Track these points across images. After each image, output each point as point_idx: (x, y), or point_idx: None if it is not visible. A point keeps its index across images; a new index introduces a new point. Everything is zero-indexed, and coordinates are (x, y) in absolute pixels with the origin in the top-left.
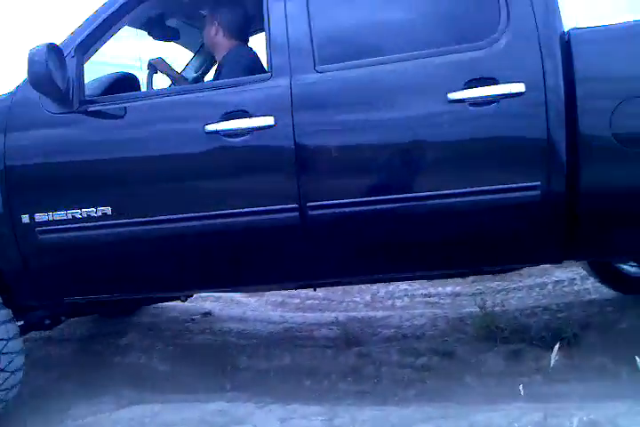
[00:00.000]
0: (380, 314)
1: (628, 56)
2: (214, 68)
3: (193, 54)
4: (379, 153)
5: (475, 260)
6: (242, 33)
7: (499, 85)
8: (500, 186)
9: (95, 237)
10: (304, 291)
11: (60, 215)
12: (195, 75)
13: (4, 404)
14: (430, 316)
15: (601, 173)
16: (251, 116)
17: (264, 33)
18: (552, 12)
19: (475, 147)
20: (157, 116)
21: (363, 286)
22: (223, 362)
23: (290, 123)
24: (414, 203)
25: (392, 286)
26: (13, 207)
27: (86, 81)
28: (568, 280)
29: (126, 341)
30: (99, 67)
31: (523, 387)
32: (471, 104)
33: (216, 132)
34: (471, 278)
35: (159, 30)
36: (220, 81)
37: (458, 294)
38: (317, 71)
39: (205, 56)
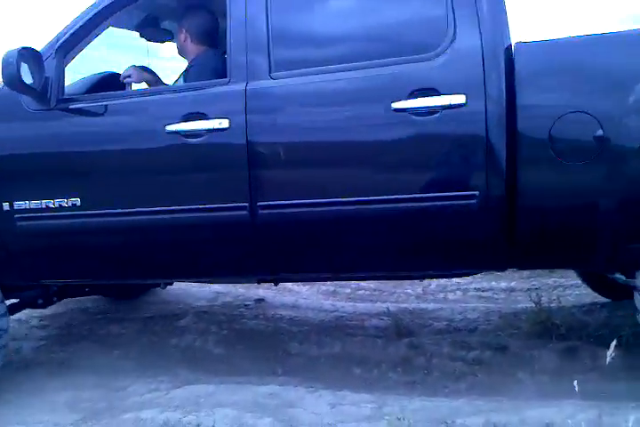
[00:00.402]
0: (431, 306)
1: (568, 70)
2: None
3: None
4: (325, 158)
5: (418, 264)
6: (210, 38)
7: (440, 96)
8: (441, 193)
9: (65, 225)
10: (355, 281)
11: (36, 204)
12: None
13: None
14: (483, 310)
15: (539, 184)
16: (208, 118)
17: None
18: (498, 27)
19: (417, 155)
20: (124, 115)
21: None
22: (275, 347)
23: (243, 126)
24: (358, 207)
25: (444, 280)
26: None
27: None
28: None
29: (183, 323)
30: None
31: (577, 384)
32: (414, 114)
33: (176, 132)
34: (527, 273)
35: (151, 32)
36: (183, 84)
37: (512, 289)
38: (272, 78)
39: None
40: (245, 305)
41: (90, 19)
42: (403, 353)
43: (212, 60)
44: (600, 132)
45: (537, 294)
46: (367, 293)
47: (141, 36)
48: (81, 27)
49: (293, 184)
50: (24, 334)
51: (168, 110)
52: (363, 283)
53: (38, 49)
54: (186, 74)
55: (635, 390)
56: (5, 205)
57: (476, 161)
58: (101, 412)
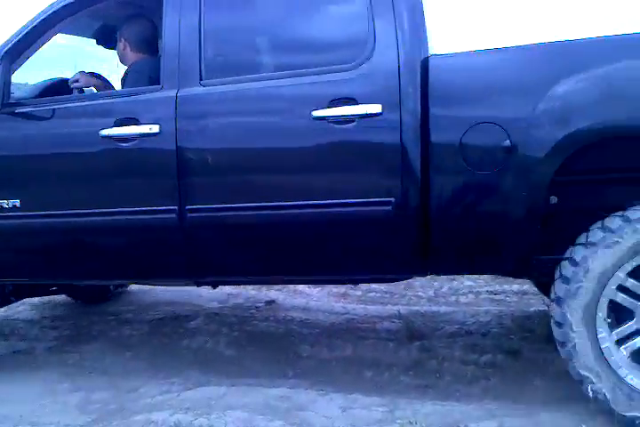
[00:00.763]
0: (443, 309)
1: (478, 82)
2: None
3: None
4: (249, 164)
5: (338, 269)
6: (149, 46)
7: (358, 106)
8: (358, 200)
9: (7, 226)
10: (365, 284)
11: None
12: None
13: None
14: (496, 313)
15: (450, 192)
16: (140, 124)
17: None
18: (416, 40)
19: (335, 162)
20: (63, 119)
21: (425, 281)
22: (286, 349)
23: (173, 131)
24: (280, 212)
25: (456, 282)
26: None
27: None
28: None
29: (194, 325)
30: None
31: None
32: (332, 122)
33: (109, 136)
34: None
35: (107, 39)
36: (118, 90)
37: (525, 293)
38: (202, 85)
39: None
40: (256, 307)
41: (34, 27)
42: (414, 356)
43: (148, 68)
44: (507, 143)
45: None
46: (378, 295)
47: (97, 43)
48: (25, 35)
49: (220, 189)
50: (35, 335)
51: (103, 115)
52: (374, 285)
53: None
54: (122, 80)
55: None
56: None
57: (391, 169)
58: (112, 413)
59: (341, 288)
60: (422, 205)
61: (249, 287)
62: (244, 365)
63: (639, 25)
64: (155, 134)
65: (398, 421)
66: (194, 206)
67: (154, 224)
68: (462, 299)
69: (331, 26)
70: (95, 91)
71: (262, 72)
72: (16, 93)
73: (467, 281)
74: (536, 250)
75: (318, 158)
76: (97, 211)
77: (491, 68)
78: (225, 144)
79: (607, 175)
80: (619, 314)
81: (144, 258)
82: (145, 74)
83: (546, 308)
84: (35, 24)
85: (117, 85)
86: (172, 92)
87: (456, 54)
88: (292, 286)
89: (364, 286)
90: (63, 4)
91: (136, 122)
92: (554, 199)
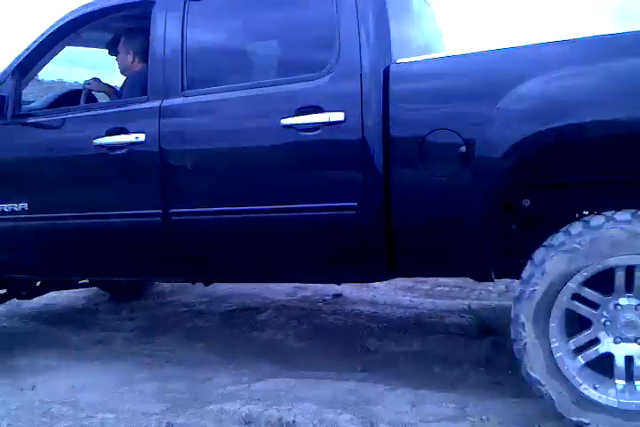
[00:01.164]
0: None
1: (435, 89)
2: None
3: None
4: (224, 170)
5: (306, 270)
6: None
7: (323, 114)
8: (324, 204)
9: (17, 227)
10: (433, 277)
11: None
12: None
13: None
14: None
15: (411, 197)
16: (127, 133)
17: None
18: (379, 51)
19: (303, 169)
20: (64, 128)
21: None
22: (354, 343)
23: (157, 139)
24: (254, 215)
25: None
26: None
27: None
28: None
29: (264, 317)
30: None
31: None
32: (300, 130)
33: (101, 145)
34: None
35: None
36: (110, 101)
37: None
38: (184, 95)
39: None
40: (324, 300)
41: (42, 42)
42: (485, 352)
43: (143, 78)
44: (463, 149)
45: None
46: (446, 289)
47: (110, 53)
48: (34, 50)
49: (198, 193)
50: (115, 326)
51: (96, 125)
52: (442, 279)
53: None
54: (120, 90)
55: None
56: None
57: (354, 175)
58: (187, 402)
59: (408, 282)
60: (385, 209)
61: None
62: (313, 357)
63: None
64: (140, 143)
65: (469, 418)
66: (177, 210)
67: (143, 227)
68: None
69: (299, 39)
70: (108, 97)
71: (238, 82)
72: (32, 104)
73: None
74: (513, 253)
75: (287, 165)
76: (93, 214)
77: (447, 76)
78: (202, 152)
79: (573, 179)
80: (581, 323)
81: (135, 258)
82: (139, 84)
83: None
84: (42, 39)
85: None
86: (157, 103)
87: (415, 62)
88: None
89: (431, 279)
90: (69, 18)
91: (125, 131)
92: (526, 202)
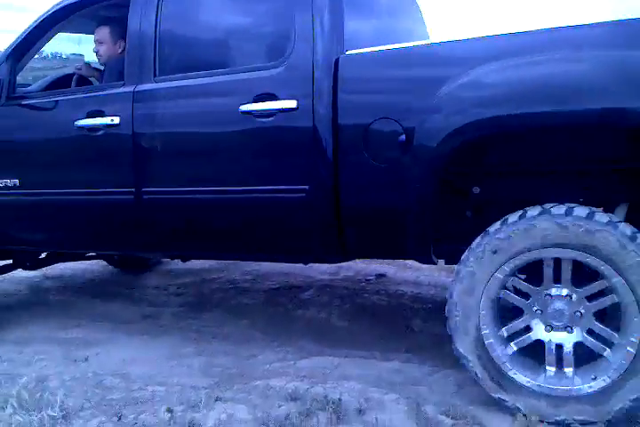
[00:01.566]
0: None
1: (379, 80)
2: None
3: None
4: (190, 152)
5: (262, 250)
6: None
7: (277, 101)
8: (278, 186)
9: (9, 201)
10: None
11: None
12: None
13: None
14: None
15: (356, 182)
16: (104, 115)
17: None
18: (331, 42)
19: (259, 153)
20: (50, 111)
21: None
22: (398, 323)
23: (130, 122)
24: (215, 196)
25: None
26: None
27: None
28: None
29: (307, 295)
30: None
31: None
32: (256, 116)
33: (82, 127)
34: None
35: None
36: (92, 86)
37: None
38: (155, 81)
39: None
40: (367, 280)
41: (34, 29)
42: None
43: (121, 65)
44: (402, 137)
45: None
46: None
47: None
48: (27, 37)
49: (167, 174)
50: (163, 301)
51: (78, 108)
52: None
53: None
54: (101, 76)
55: None
56: None
57: (306, 160)
58: (233, 378)
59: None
60: (334, 193)
61: (358, 260)
62: (357, 337)
63: None
64: (116, 125)
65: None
66: (148, 189)
67: (118, 204)
68: None
69: (261, 29)
70: (97, 81)
71: (203, 70)
72: (30, 87)
73: None
74: (467, 238)
75: (245, 149)
76: (75, 191)
77: (390, 67)
78: (169, 135)
79: (513, 169)
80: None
81: (113, 232)
82: (118, 70)
83: None
84: (34, 26)
85: None
86: (131, 88)
87: (362, 53)
88: (401, 260)
89: None
90: (59, 6)
91: (102, 114)
92: (477, 190)
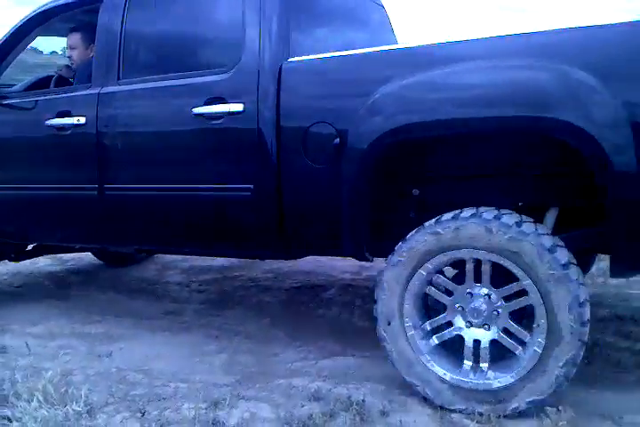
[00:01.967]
0: (590, 292)
1: (317, 86)
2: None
3: None
4: (146, 151)
5: (211, 246)
6: None
7: (226, 104)
8: (226, 185)
9: None
10: None
11: None
12: None
13: None
14: None
15: (296, 183)
16: (71, 115)
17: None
18: (277, 50)
19: (209, 153)
20: (24, 110)
21: None
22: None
23: (94, 122)
24: (169, 193)
25: (603, 263)
26: None
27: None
28: None
29: (329, 295)
30: None
31: None
32: (207, 118)
33: (51, 126)
34: None
35: None
36: (62, 88)
37: None
38: (119, 84)
39: None
40: None
41: (13, 33)
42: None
43: (90, 68)
44: (337, 141)
45: None
46: None
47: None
48: (4, 42)
49: (127, 171)
50: (185, 298)
51: (49, 108)
52: None
53: None
54: (73, 77)
55: None
56: None
57: (251, 160)
58: (255, 376)
59: None
60: (277, 192)
61: (380, 259)
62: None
63: None
64: (81, 124)
65: (546, 407)
66: (110, 185)
67: (81, 199)
68: (613, 281)
69: (215, 36)
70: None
71: (160, 74)
72: (13, 87)
73: None
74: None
75: (197, 149)
76: (45, 186)
77: (327, 73)
78: (129, 134)
79: (442, 172)
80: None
81: (80, 226)
82: (87, 73)
83: None
84: (14, 30)
85: None
86: (97, 90)
87: (302, 60)
88: None
89: None
90: (38, 11)
91: (69, 114)
92: (416, 192)
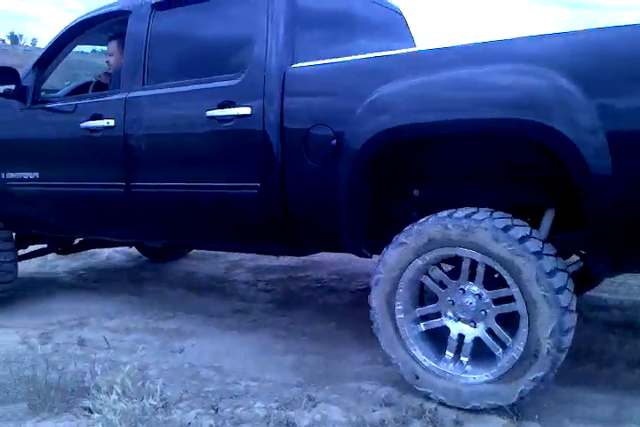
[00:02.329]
0: None
1: (317, 91)
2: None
3: None
4: (165, 152)
5: (225, 240)
6: None
7: (235, 108)
8: (235, 184)
9: (30, 192)
10: None
11: (14, 175)
12: None
13: None
14: None
15: (299, 181)
16: (102, 118)
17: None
18: (281, 57)
19: (220, 153)
20: (62, 113)
21: None
22: None
23: (122, 124)
24: (185, 190)
25: None
26: None
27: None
28: None
29: None
30: None
31: None
32: (219, 120)
33: (85, 128)
34: None
35: None
36: (96, 92)
37: None
38: (144, 89)
39: None
40: None
41: (55, 42)
42: None
43: None
44: (334, 142)
45: None
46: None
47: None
48: (48, 50)
49: (150, 170)
50: (253, 297)
51: (84, 112)
52: None
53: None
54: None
55: None
56: (2, 175)
57: (258, 160)
58: (324, 377)
59: None
60: (282, 190)
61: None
62: None
63: None
64: (111, 127)
65: (630, 424)
66: (135, 183)
67: (113, 196)
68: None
69: (230, 45)
70: None
71: (179, 79)
72: (58, 93)
73: None
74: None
75: (210, 149)
76: (79, 183)
77: (326, 78)
78: (151, 136)
79: (444, 173)
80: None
81: (110, 222)
82: (119, 79)
83: None
84: (56, 40)
85: None
86: (125, 95)
87: (305, 66)
88: None
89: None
90: (75, 22)
91: (101, 117)
92: (417, 192)
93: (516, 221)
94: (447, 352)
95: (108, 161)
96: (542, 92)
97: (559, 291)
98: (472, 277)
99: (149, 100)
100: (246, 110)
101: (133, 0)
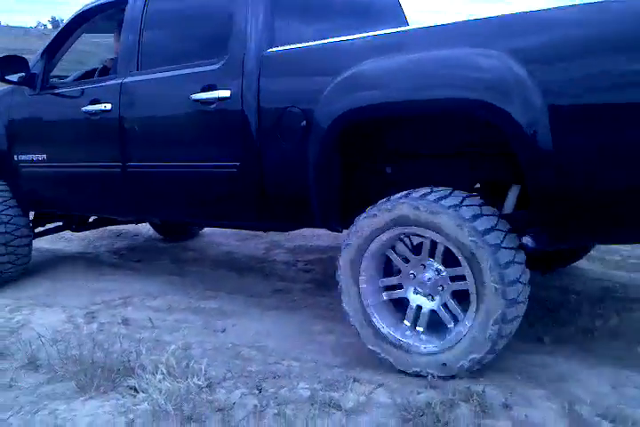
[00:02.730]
0: None
1: (290, 73)
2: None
3: None
4: (155, 133)
5: (210, 216)
6: None
7: (216, 91)
8: (218, 163)
9: (40, 173)
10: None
11: (25, 157)
12: None
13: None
14: None
15: (274, 159)
16: (100, 103)
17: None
18: (260, 42)
19: (203, 134)
20: (66, 98)
21: None
22: (542, 315)
23: (117, 109)
24: (173, 169)
25: None
26: (11, 150)
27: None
28: None
29: None
30: None
31: None
32: (203, 103)
33: (86, 111)
34: None
35: None
36: (96, 78)
37: None
38: (138, 74)
39: None
40: None
41: (62, 30)
42: None
43: None
44: (304, 123)
45: None
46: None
47: None
48: (55, 39)
49: (142, 150)
50: (292, 277)
51: (86, 96)
52: (634, 251)
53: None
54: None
55: None
56: (15, 157)
57: (237, 140)
58: (364, 359)
59: (596, 251)
60: (259, 168)
61: None
62: None
63: None
64: (108, 110)
65: None
66: (130, 163)
67: (111, 176)
68: None
69: (213, 31)
70: None
71: (169, 65)
72: (67, 79)
73: None
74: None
75: (195, 131)
76: (80, 164)
77: (298, 61)
78: (142, 119)
79: (413, 151)
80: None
81: (110, 200)
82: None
83: None
84: (63, 28)
85: None
86: (120, 80)
87: (279, 50)
88: None
89: (623, 250)
90: (82, 10)
91: (98, 102)
92: (389, 170)
93: (485, 210)
94: (405, 322)
95: (107, 143)
96: (485, 72)
97: (510, 284)
98: (432, 254)
99: (142, 85)
100: (226, 93)
101: None
